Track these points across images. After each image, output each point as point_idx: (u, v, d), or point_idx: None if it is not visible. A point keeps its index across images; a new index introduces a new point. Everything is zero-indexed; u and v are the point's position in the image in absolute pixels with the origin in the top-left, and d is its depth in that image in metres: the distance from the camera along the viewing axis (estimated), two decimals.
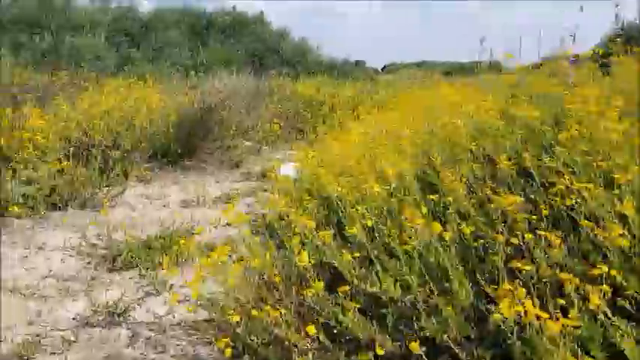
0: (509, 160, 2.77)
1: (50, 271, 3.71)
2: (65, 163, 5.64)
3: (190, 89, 8.53)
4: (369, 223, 2.76)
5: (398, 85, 15.90)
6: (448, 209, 2.65)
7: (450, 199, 2.69)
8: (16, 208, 4.82)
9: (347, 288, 2.23)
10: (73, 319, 3.05)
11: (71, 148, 6.05)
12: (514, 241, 2.10)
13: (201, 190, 6.26)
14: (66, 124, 6.93)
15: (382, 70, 39.94)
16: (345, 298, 2.22)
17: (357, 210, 2.96)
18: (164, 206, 5.63)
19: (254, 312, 2.37)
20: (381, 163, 3.71)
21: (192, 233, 4.62)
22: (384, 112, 8.85)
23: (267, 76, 15.69)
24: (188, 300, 3.10)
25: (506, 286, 1.62)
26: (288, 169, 7.05)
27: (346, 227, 3.16)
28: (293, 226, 3.29)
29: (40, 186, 5.20)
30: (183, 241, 4.08)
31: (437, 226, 2.14)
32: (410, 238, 2.26)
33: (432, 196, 2.83)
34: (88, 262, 3.86)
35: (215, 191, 6.34)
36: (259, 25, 21.70)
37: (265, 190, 6.39)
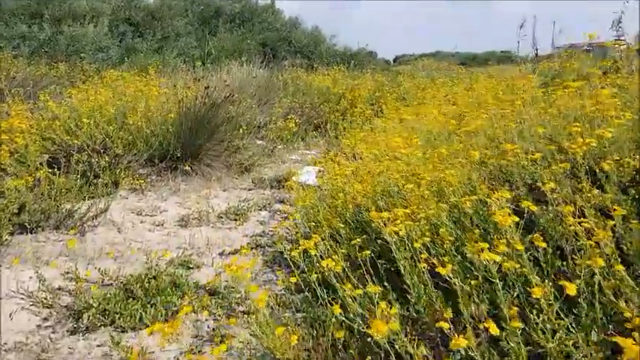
0: None
1: None
2: (41, 171, 4.65)
3: (195, 82, 7.55)
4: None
5: (419, 76, 14.79)
6: None
7: None
8: None
9: None
10: None
11: (49, 154, 5.08)
12: None
13: (204, 202, 5.25)
14: (49, 124, 5.97)
15: (394, 61, 38.70)
16: None
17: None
18: (158, 225, 4.62)
19: None
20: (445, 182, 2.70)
21: (190, 267, 3.61)
22: (416, 108, 7.79)
23: (279, 67, 14.66)
24: None
25: None
26: (308, 176, 6.03)
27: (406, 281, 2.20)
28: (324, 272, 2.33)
29: (4, 202, 4.20)
30: (180, 281, 3.12)
31: None
32: None
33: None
34: (46, 318, 2.86)
35: (221, 203, 5.33)
36: (270, 14, 20.65)
37: (282, 202, 5.38)
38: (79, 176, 4.97)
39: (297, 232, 3.77)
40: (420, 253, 2.08)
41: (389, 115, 7.64)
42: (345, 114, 9.74)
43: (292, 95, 9.95)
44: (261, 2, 20.89)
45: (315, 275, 2.57)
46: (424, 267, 2.08)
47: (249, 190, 5.95)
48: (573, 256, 2.00)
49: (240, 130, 6.73)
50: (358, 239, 2.54)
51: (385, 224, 2.29)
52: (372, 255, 2.55)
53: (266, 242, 4.18)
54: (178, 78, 9.80)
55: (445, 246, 2.28)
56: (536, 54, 11.44)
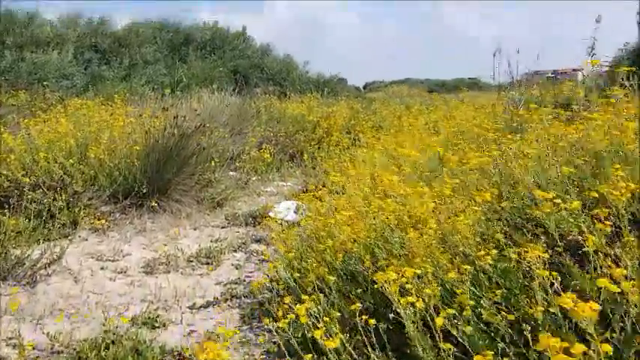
0: None
1: None
2: None
3: (164, 111, 7.10)
4: None
5: (393, 103, 14.56)
6: None
7: None
8: None
9: None
10: None
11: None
12: None
13: (173, 243, 4.78)
14: (2, 158, 5.46)
15: (364, 88, 38.71)
16: None
17: None
18: (121, 272, 4.13)
19: None
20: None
21: (155, 326, 3.14)
22: (396, 137, 7.46)
23: (251, 94, 14.29)
24: None
25: None
26: (287, 211, 5.61)
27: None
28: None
29: None
30: (143, 347, 2.67)
31: None
32: None
33: None
34: None
35: (191, 244, 4.86)
36: (242, 41, 20.34)
37: (258, 242, 4.94)
38: (32, 217, 4.47)
39: (279, 282, 3.33)
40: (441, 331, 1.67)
41: (369, 144, 7.28)
42: (320, 142, 9.39)
43: (266, 124, 9.55)
44: (232, 29, 20.58)
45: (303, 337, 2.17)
46: (449, 349, 1.67)
47: (222, 227, 5.48)
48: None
49: (212, 163, 6.28)
50: (358, 304, 2.11)
51: (387, 281, 1.89)
52: (368, 311, 2.14)
53: (243, 292, 3.72)
54: (146, 106, 9.33)
55: (465, 313, 1.88)
56: (512, 81, 11.25)
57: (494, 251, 2.02)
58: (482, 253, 2.05)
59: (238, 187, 6.90)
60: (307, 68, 19.88)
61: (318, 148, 8.95)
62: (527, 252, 1.77)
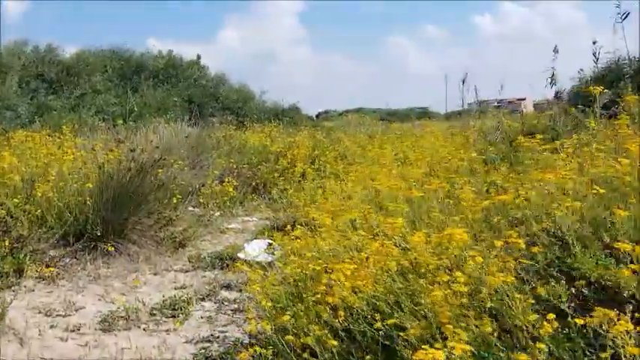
0: None
1: None
2: None
3: (119, 143, 6.58)
4: None
5: (353, 132, 14.30)
6: None
7: None
8: None
9: None
10: None
11: None
12: None
13: (132, 293, 4.26)
14: None
15: (317, 117, 38.66)
16: None
17: None
18: (74, 330, 3.59)
19: None
20: None
21: None
22: (369, 169, 7.11)
23: (208, 124, 13.79)
24: None
25: None
26: (257, 251, 5.15)
27: None
28: None
29: None
30: None
31: None
32: None
33: None
34: None
35: (153, 292, 4.36)
36: (196, 69, 19.86)
37: (228, 288, 4.47)
38: None
39: (261, 342, 2.87)
40: None
41: (342, 176, 6.91)
42: (284, 174, 8.98)
43: (227, 155, 9.08)
44: (185, 58, 20.09)
45: None
46: None
47: (186, 272, 4.98)
48: None
49: (174, 199, 5.78)
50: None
51: None
52: None
53: (218, 352, 3.25)
54: (97, 138, 8.77)
55: None
56: (478, 108, 11.21)
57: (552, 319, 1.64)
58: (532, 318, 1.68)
59: (201, 225, 6.39)
60: (264, 98, 19.52)
61: (283, 179, 8.55)
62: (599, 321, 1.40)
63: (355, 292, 2.58)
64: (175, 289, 4.46)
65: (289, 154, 9.80)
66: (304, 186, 7.65)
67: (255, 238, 5.84)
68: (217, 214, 7.19)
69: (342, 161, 9.45)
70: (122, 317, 3.77)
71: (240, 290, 4.41)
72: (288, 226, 6.05)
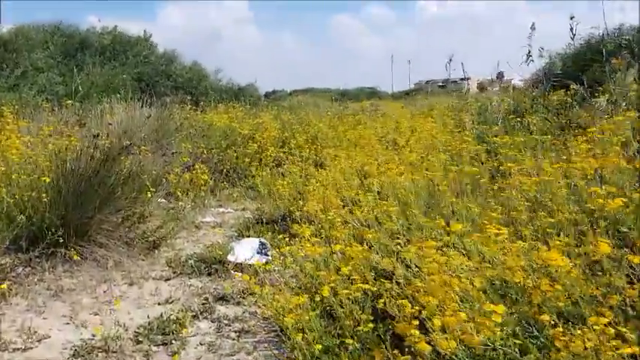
0: None
1: None
2: None
3: (78, 126, 5.64)
4: None
5: (320, 113, 13.57)
6: None
7: None
8: None
9: None
10: None
11: None
12: None
13: (107, 313, 3.47)
14: None
15: (265, 97, 37.74)
16: None
17: None
18: None
19: None
20: None
21: None
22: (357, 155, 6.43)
23: (163, 104, 12.78)
24: None
25: None
26: (249, 252, 4.42)
27: None
28: None
29: None
30: None
31: None
32: None
33: None
34: None
35: (133, 309, 3.58)
36: (145, 47, 18.63)
37: (224, 300, 3.73)
38: None
39: None
40: None
41: (330, 162, 6.21)
42: (254, 159, 8.23)
43: (192, 139, 8.22)
44: (132, 34, 18.82)
45: None
46: None
47: (168, 279, 4.19)
48: None
49: (148, 193, 4.95)
50: None
51: None
52: None
53: None
54: (43, 120, 7.76)
55: None
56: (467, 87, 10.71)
57: None
58: None
59: (172, 219, 5.58)
60: (219, 76, 18.52)
61: (257, 164, 7.80)
62: None
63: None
64: (160, 304, 3.68)
65: (258, 136, 9.02)
66: (284, 173, 6.96)
67: (242, 236, 5.10)
68: (188, 205, 6.37)
69: (313, 145, 8.75)
70: (100, 349, 2.98)
71: (239, 303, 3.69)
72: (280, 221, 5.38)
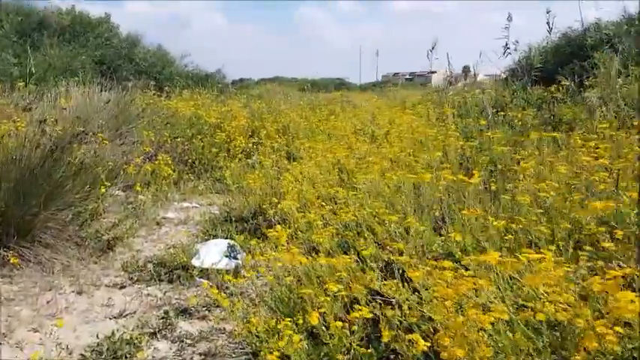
0: None
1: None
2: None
3: (24, 111, 5.04)
4: None
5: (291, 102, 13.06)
6: None
7: None
8: None
9: None
10: None
11: None
12: None
13: (49, 331, 2.96)
14: None
15: (232, 84, 37.06)
16: None
17: None
18: None
19: None
20: None
21: None
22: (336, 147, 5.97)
23: (125, 89, 12.11)
24: None
25: None
26: (217, 255, 3.95)
27: None
28: None
29: None
30: None
31: None
32: None
33: None
34: None
35: (80, 326, 3.07)
36: (106, 28, 17.80)
37: (187, 314, 3.25)
38: None
39: None
40: None
41: (305, 156, 5.75)
42: (222, 149, 7.73)
43: (154, 126, 7.66)
44: (94, 15, 17.96)
45: None
46: None
47: (122, 287, 3.68)
48: None
49: (102, 188, 4.41)
50: None
51: None
52: None
53: None
54: None
55: None
56: (450, 82, 10.37)
57: None
58: None
59: (130, 215, 5.05)
60: (185, 62, 17.82)
61: (225, 155, 7.31)
62: None
63: None
64: (112, 318, 3.18)
65: (226, 125, 8.50)
66: (254, 164, 6.50)
67: (208, 236, 4.60)
68: (150, 199, 5.85)
69: (284, 135, 8.29)
70: None
71: (204, 317, 3.22)
72: (251, 219, 4.92)
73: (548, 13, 10.29)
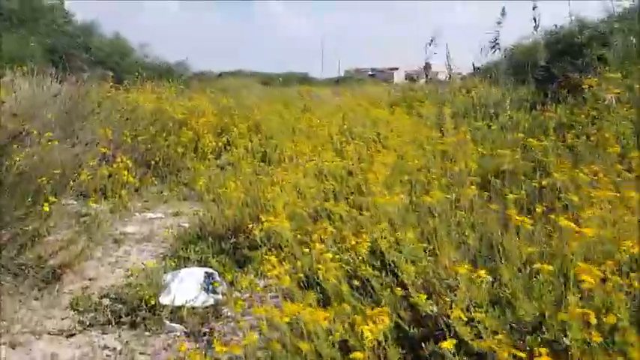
0: None
1: None
2: None
3: None
4: None
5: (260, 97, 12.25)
6: None
7: None
8: None
9: None
10: None
11: None
12: None
13: None
14: None
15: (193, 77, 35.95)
16: None
17: None
18: None
19: None
20: None
21: None
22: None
23: (79, 80, 11.08)
24: None
25: None
26: (196, 293, 3.18)
27: None
28: None
29: None
30: None
31: None
32: None
33: None
34: None
35: None
36: (59, 15, 16.63)
37: None
38: None
39: None
40: None
41: (289, 163, 4.96)
42: (189, 149, 6.93)
43: (112, 123, 6.76)
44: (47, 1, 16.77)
45: None
46: None
47: (71, 335, 2.87)
48: None
49: (45, 205, 3.57)
50: None
51: None
52: None
53: None
54: None
55: None
56: (449, 76, 9.75)
57: None
58: None
59: (83, 232, 4.21)
60: (146, 52, 16.79)
61: (194, 156, 6.52)
62: None
63: None
64: None
65: (193, 122, 7.68)
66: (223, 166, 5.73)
67: (179, 261, 3.81)
68: (106, 209, 5.01)
69: (257, 134, 7.49)
70: None
71: None
72: (230, 237, 4.15)
73: (534, 9, 9.76)
